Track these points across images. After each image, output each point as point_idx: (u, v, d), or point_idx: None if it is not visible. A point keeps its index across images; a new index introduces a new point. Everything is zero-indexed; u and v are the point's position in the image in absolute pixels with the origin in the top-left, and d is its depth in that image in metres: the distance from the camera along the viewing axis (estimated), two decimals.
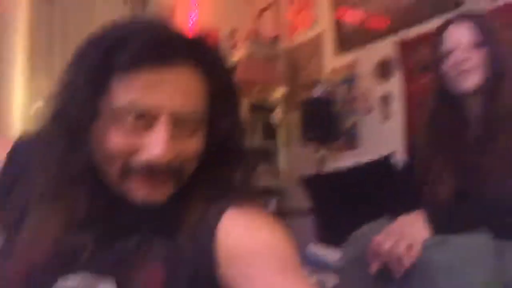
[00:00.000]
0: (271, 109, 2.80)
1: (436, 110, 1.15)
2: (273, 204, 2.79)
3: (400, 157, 2.06)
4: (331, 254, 1.60)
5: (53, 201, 0.51)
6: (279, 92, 2.58)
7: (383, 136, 2.32)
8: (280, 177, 2.80)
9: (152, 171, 0.50)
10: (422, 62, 2.06)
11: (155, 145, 0.48)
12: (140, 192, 0.51)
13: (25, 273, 0.49)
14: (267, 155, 2.97)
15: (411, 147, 1.35)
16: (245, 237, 0.51)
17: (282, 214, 2.74)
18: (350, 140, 2.51)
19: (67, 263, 0.50)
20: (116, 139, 0.49)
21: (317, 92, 2.52)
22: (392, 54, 2.30)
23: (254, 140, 2.90)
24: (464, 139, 1.09)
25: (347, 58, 2.58)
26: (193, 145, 0.53)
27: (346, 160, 2.42)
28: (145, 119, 0.49)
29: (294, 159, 2.85)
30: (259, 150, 2.93)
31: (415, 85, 2.15)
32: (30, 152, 0.57)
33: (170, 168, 0.50)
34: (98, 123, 0.50)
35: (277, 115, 2.72)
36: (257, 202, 0.58)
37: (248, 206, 0.54)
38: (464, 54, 1.06)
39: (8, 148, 0.60)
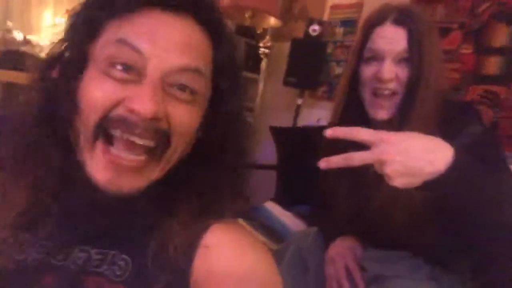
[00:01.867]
0: (258, 38, 2.54)
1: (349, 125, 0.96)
2: None
3: None
4: (284, 216, 1.56)
5: (22, 168, 0.46)
6: (271, 22, 2.30)
7: None
8: (254, 114, 2.66)
9: (131, 127, 0.43)
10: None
11: (142, 96, 0.42)
12: (102, 173, 0.44)
13: None
14: (245, 87, 2.80)
15: None
16: (229, 261, 0.46)
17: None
18: (333, 91, 2.36)
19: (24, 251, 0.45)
20: (101, 89, 0.43)
21: (312, 30, 2.27)
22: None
23: None
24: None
25: None
26: (186, 113, 0.46)
27: (325, 111, 2.30)
28: (135, 72, 0.44)
29: (273, 98, 2.69)
30: None
31: None
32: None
33: (155, 127, 0.43)
34: (84, 75, 0.45)
35: (264, 46, 2.47)
36: (240, 218, 0.53)
37: (232, 224, 0.50)
38: (389, 70, 0.84)
39: None
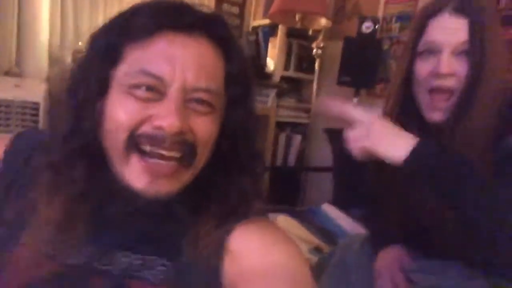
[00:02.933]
0: (311, 39, 2.53)
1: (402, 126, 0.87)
2: (297, 141, 2.71)
3: None
4: (341, 218, 1.55)
5: (53, 186, 0.49)
6: (322, 23, 2.29)
7: None
8: (310, 115, 2.66)
9: (159, 142, 0.46)
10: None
11: (166, 113, 0.45)
12: (140, 179, 0.47)
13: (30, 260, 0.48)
14: (299, 88, 2.80)
15: None
16: (256, 258, 0.49)
17: (303, 159, 2.68)
18: None
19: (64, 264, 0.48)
20: (125, 110, 0.47)
21: (365, 28, 2.22)
22: None
23: (287, 69, 2.71)
24: None
25: None
26: (207, 124, 0.49)
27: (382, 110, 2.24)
28: (156, 91, 0.47)
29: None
30: (291, 81, 2.75)
31: None
32: (32, 144, 0.54)
33: (182, 140, 0.47)
34: (108, 95, 0.48)
35: (317, 47, 2.45)
36: (266, 215, 0.55)
37: (259, 222, 0.52)
38: (448, 63, 0.78)
39: (4, 145, 0.56)
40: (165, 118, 0.45)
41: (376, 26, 2.17)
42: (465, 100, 0.78)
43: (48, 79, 2.07)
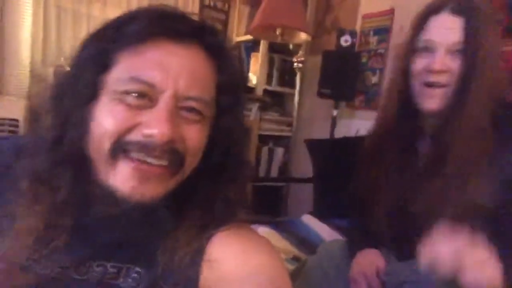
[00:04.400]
0: (291, 53, 2.58)
1: (399, 119, 0.94)
2: (279, 154, 2.72)
3: None
4: (321, 228, 1.55)
5: (36, 193, 0.48)
6: (302, 37, 2.34)
7: None
8: (292, 128, 2.68)
9: (149, 150, 0.45)
10: None
11: (157, 121, 0.45)
12: (128, 183, 0.46)
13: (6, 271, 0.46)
14: (281, 102, 2.83)
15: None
16: (234, 264, 0.49)
17: (286, 171, 2.69)
18: (370, 100, 2.32)
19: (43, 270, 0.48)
20: (114, 116, 0.45)
21: (344, 41, 2.27)
22: None
23: (269, 83, 2.74)
24: (415, 162, 0.92)
25: (384, 3, 2.28)
26: (197, 132, 0.49)
27: (362, 122, 2.27)
28: (148, 98, 0.46)
29: (308, 111, 2.70)
30: (273, 95, 2.79)
31: None
32: (12, 152, 0.52)
33: (171, 148, 0.46)
34: (98, 102, 0.47)
35: (298, 61, 2.50)
36: (246, 221, 0.55)
37: (238, 228, 0.52)
38: (441, 61, 0.82)
39: None
40: (156, 126, 0.45)
41: (354, 40, 2.22)
42: (459, 92, 0.81)
43: (29, 96, 2.07)
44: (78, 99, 0.47)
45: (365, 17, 2.41)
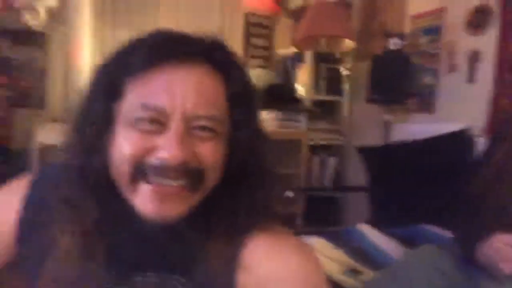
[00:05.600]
0: (338, 61, 2.55)
1: None
2: (331, 163, 2.67)
3: (480, 133, 1.80)
4: (377, 238, 1.49)
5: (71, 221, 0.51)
6: (348, 45, 2.30)
7: (465, 102, 2.00)
8: (343, 136, 2.63)
9: (164, 173, 0.47)
10: None
11: (168, 145, 0.46)
12: (149, 205, 0.48)
13: None
14: (331, 110, 2.79)
15: (499, 126, 1.16)
16: (269, 266, 0.50)
17: (339, 181, 2.64)
18: (425, 102, 2.22)
19: None
20: (130, 142, 0.48)
21: (392, 44, 2.20)
22: (491, 0, 1.88)
23: (317, 93, 2.72)
24: None
25: (433, 2, 2.19)
26: (211, 149, 0.49)
27: (417, 125, 2.17)
28: (159, 123, 0.48)
29: (359, 118, 2.64)
30: (322, 104, 2.76)
31: None
32: (47, 183, 0.56)
33: (187, 168, 0.47)
34: (114, 128, 0.50)
35: (345, 68, 2.46)
36: (281, 224, 0.56)
37: (272, 231, 0.53)
38: None
39: (21, 192, 0.58)
40: (168, 150, 0.46)
41: (403, 42, 2.15)
42: None
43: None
44: (95, 129, 0.50)
45: (413, 17, 2.33)
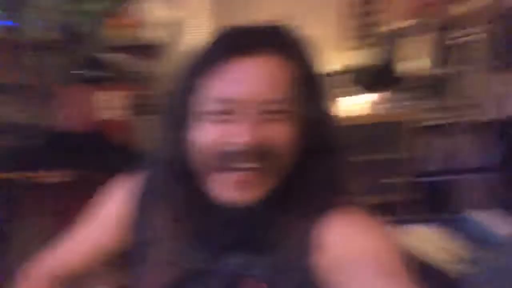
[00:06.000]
0: (446, 28, 2.27)
1: None
2: (440, 145, 2.41)
3: None
4: (495, 224, 1.30)
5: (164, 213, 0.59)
6: (459, 9, 2.03)
7: None
8: (449, 115, 2.35)
9: (242, 157, 0.51)
10: None
11: (240, 133, 0.51)
12: (230, 191, 0.53)
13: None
14: (436, 86, 2.51)
15: None
16: (344, 246, 0.51)
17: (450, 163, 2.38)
18: None
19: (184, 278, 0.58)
20: (206, 134, 0.53)
21: None
22: None
23: (419, 66, 2.46)
24: None
25: None
26: (282, 131, 0.53)
27: None
28: (231, 113, 0.52)
29: (473, 92, 2.30)
30: (426, 79, 2.49)
31: None
32: (142, 182, 0.65)
33: (261, 151, 0.51)
34: (193, 122, 0.55)
35: (454, 35, 2.18)
36: (356, 202, 0.57)
37: (347, 211, 0.55)
38: None
39: (127, 186, 0.67)
40: (241, 138, 0.51)
41: None
42: None
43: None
44: (177, 123, 0.57)
45: None
